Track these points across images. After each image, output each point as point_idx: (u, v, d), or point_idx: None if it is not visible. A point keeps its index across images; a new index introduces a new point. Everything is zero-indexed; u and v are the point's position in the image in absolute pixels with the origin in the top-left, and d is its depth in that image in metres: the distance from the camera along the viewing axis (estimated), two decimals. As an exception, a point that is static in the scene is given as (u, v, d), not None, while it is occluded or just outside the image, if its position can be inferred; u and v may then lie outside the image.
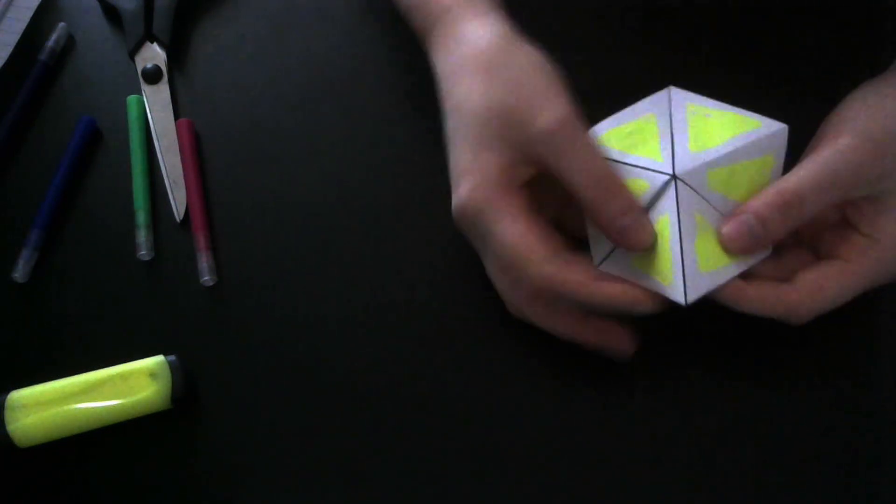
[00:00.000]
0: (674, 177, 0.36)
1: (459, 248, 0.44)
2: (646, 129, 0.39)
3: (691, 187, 0.36)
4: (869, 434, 0.39)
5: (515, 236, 0.36)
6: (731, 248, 0.36)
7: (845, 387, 0.40)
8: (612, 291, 0.36)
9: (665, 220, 0.36)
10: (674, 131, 0.38)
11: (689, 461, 0.39)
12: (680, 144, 0.37)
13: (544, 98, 0.37)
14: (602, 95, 0.41)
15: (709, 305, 0.37)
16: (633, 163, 0.37)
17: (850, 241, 0.37)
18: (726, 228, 0.36)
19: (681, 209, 0.36)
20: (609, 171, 0.36)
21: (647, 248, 0.36)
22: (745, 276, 0.37)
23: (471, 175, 0.38)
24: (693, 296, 0.36)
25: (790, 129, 0.38)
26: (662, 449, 0.39)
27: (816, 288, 0.36)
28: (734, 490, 0.38)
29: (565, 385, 0.41)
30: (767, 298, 0.36)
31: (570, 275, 0.36)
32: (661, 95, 0.40)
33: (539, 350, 0.41)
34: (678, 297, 0.36)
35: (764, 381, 0.41)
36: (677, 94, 0.39)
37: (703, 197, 0.37)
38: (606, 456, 0.39)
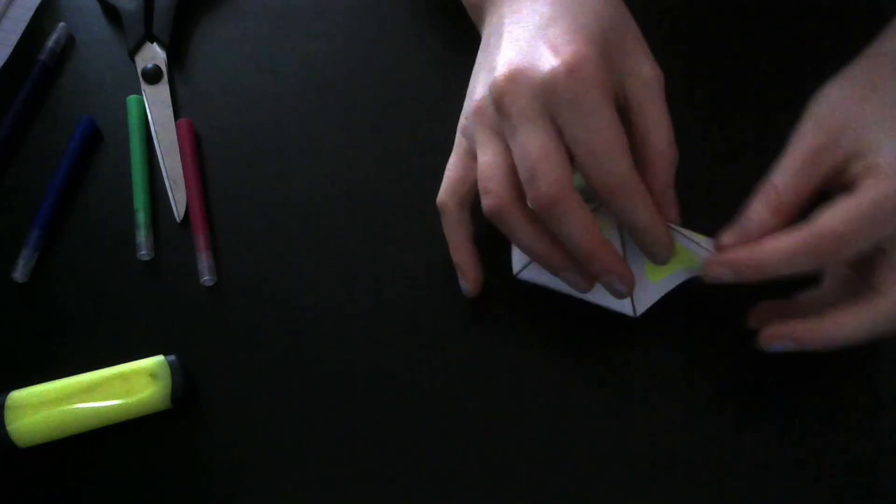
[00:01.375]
0: None
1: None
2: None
3: None
4: (869, 434, 0.39)
5: (617, 128, 0.34)
6: (729, 256, 0.37)
7: (846, 387, 0.40)
8: (665, 224, 0.36)
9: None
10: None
11: (690, 461, 0.39)
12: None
13: (645, 49, 0.38)
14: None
15: (709, 305, 0.37)
16: None
17: (858, 185, 0.36)
18: (725, 237, 0.37)
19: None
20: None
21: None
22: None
23: (581, 47, 0.34)
24: (642, 308, 0.38)
25: (791, 128, 0.38)
26: (662, 449, 0.39)
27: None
28: (734, 490, 0.38)
29: (565, 384, 0.41)
30: (859, 316, 0.35)
31: (646, 191, 0.35)
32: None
33: (539, 350, 0.41)
34: (628, 312, 0.39)
35: (764, 380, 0.41)
36: None
37: None
38: (607, 456, 0.39)
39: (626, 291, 0.37)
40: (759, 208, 0.36)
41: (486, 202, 0.37)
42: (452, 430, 0.40)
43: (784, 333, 0.36)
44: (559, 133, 0.34)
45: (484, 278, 0.41)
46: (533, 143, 0.34)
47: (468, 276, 0.41)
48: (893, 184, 0.34)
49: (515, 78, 0.35)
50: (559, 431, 0.40)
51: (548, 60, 0.34)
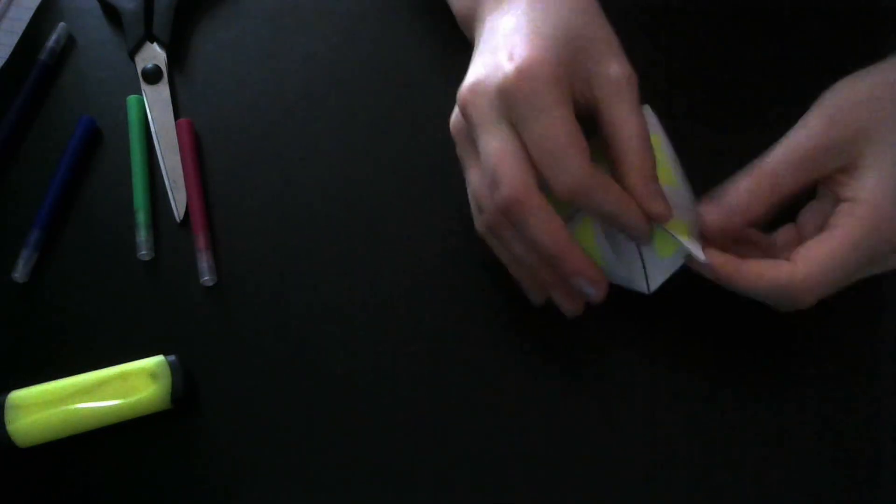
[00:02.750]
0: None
1: (460, 248, 0.44)
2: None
3: None
4: (869, 434, 0.39)
5: (571, 124, 0.35)
6: (712, 230, 0.37)
7: (846, 387, 0.40)
8: (635, 207, 0.36)
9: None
10: None
11: (690, 461, 0.39)
12: None
13: (614, 49, 0.37)
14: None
15: (709, 305, 0.37)
16: None
17: (836, 213, 0.37)
18: (708, 213, 0.37)
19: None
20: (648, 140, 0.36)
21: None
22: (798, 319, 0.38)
23: (541, 54, 0.35)
24: (655, 285, 0.38)
25: (790, 129, 0.38)
26: (662, 449, 0.39)
27: (811, 258, 0.36)
28: (734, 490, 0.38)
29: (565, 383, 0.41)
30: (764, 274, 0.36)
31: (606, 181, 0.35)
32: None
33: (539, 349, 0.41)
34: (642, 289, 0.38)
35: (764, 381, 0.41)
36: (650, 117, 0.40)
37: None
38: (607, 456, 0.39)
39: (595, 294, 0.36)
40: (751, 191, 0.37)
41: (482, 213, 0.38)
42: (452, 429, 0.40)
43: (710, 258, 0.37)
44: (517, 137, 0.35)
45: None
46: (492, 148, 0.35)
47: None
48: (867, 228, 0.36)
49: (475, 88, 0.36)
50: (559, 431, 0.40)
51: (502, 67, 0.35)
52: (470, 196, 0.39)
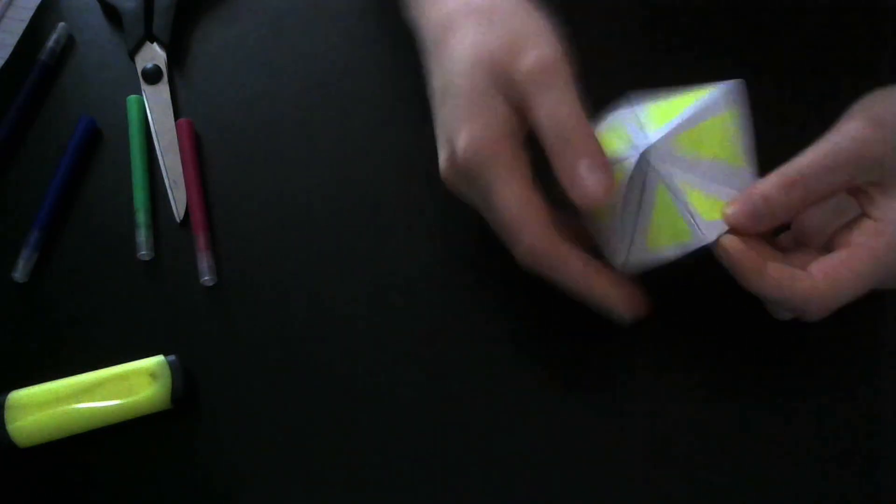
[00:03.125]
0: (641, 155, 0.37)
1: (460, 249, 0.44)
2: (614, 132, 0.39)
3: (659, 159, 0.37)
4: (869, 434, 0.39)
5: (515, 197, 0.35)
6: (736, 227, 0.36)
7: (846, 387, 0.40)
8: (608, 285, 0.36)
9: (661, 192, 0.37)
10: (638, 123, 0.38)
11: (690, 462, 0.39)
12: (643, 129, 0.38)
13: (533, 40, 0.36)
14: (605, 96, 0.41)
15: (710, 305, 0.37)
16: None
17: (860, 229, 0.37)
18: (731, 209, 0.36)
19: (664, 176, 0.36)
20: (579, 118, 0.35)
21: (596, 205, 0.35)
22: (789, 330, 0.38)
23: (471, 125, 0.36)
24: (715, 234, 0.36)
25: (791, 128, 0.38)
26: (662, 449, 0.39)
27: (831, 275, 0.36)
28: (735, 491, 0.38)
29: (566, 383, 0.41)
30: (783, 280, 0.36)
31: (564, 257, 0.36)
32: (621, 105, 0.40)
33: (539, 350, 0.41)
34: (705, 239, 0.36)
35: (765, 381, 0.41)
36: (637, 98, 0.40)
37: (675, 165, 0.37)
38: (607, 456, 0.39)
39: (627, 318, 0.37)
40: (782, 194, 0.35)
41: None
42: (453, 429, 0.40)
43: (726, 246, 0.36)
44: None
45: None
46: (494, 216, 0.37)
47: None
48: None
49: (445, 174, 0.38)
50: (559, 430, 0.39)
51: (452, 151, 0.37)
52: (444, 139, 0.39)
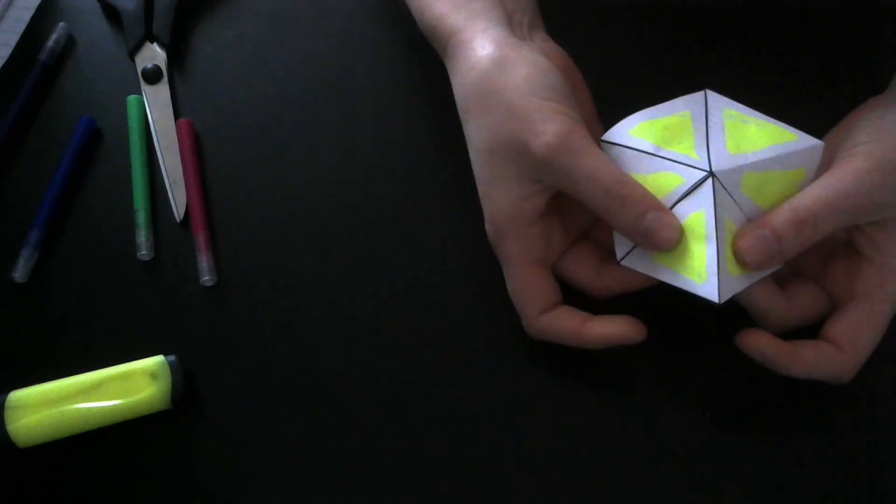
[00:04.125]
0: (711, 174, 0.36)
1: (460, 249, 0.44)
2: (681, 125, 0.38)
3: (725, 187, 0.36)
4: (869, 434, 0.39)
5: (516, 283, 0.39)
6: (746, 261, 0.36)
7: (846, 387, 0.40)
8: (602, 333, 0.38)
9: (699, 217, 0.36)
10: (710, 131, 0.38)
11: (690, 462, 0.39)
12: (717, 144, 0.37)
13: (539, 119, 0.36)
14: (605, 96, 0.41)
15: (710, 305, 0.37)
16: (668, 157, 0.37)
17: (864, 274, 0.37)
18: (742, 242, 0.36)
19: (717, 206, 0.36)
20: (619, 176, 0.36)
21: (673, 246, 0.36)
22: (787, 335, 0.38)
23: (488, 214, 0.40)
24: (726, 295, 0.36)
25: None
26: (662, 450, 0.39)
27: (854, 342, 0.37)
28: (735, 491, 0.38)
29: (565, 385, 0.41)
30: (816, 363, 0.37)
31: (561, 326, 0.39)
32: (696, 96, 0.39)
33: (538, 351, 0.41)
34: (712, 295, 0.36)
35: (764, 381, 0.41)
36: (714, 98, 0.39)
37: (734, 199, 0.37)
38: (608, 457, 0.39)
39: (635, 341, 0.38)
40: (789, 232, 0.35)
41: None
42: (452, 429, 0.40)
43: (757, 346, 0.37)
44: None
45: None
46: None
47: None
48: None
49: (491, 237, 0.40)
50: (559, 431, 0.39)
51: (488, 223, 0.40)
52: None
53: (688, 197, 0.37)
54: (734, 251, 0.36)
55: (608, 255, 0.39)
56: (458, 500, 0.38)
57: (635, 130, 0.38)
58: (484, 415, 0.40)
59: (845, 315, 0.37)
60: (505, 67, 0.38)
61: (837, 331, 0.37)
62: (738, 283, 0.37)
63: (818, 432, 0.39)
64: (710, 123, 0.38)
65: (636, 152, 0.38)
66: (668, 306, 0.40)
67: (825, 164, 0.38)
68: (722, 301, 0.36)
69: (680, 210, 0.37)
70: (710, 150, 0.37)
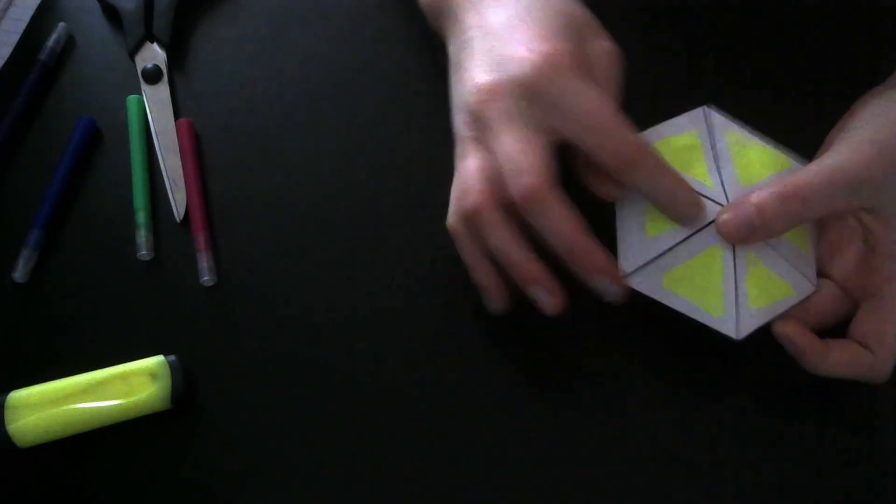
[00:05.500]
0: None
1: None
2: (692, 148, 0.38)
3: None
4: (869, 434, 0.39)
5: (608, 101, 0.35)
6: (725, 234, 0.36)
7: (846, 387, 0.40)
8: (690, 194, 0.36)
9: (715, 251, 0.36)
10: (718, 160, 0.38)
11: (690, 462, 0.39)
12: (728, 175, 0.37)
13: (597, 28, 0.39)
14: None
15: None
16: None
17: (876, 268, 0.37)
18: (724, 216, 0.36)
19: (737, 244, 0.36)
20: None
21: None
22: (819, 334, 0.38)
23: (550, 43, 0.35)
24: (745, 331, 0.36)
25: (792, 128, 0.38)
26: (661, 451, 0.39)
27: (883, 343, 0.37)
28: (734, 491, 0.38)
29: (563, 386, 0.41)
30: (848, 363, 0.37)
31: (654, 152, 0.35)
32: (697, 113, 0.39)
33: (538, 351, 0.41)
34: (730, 331, 0.36)
35: (764, 381, 0.41)
36: (715, 119, 0.39)
37: None
38: (604, 457, 0.39)
39: (615, 292, 0.36)
40: (778, 207, 0.35)
41: (465, 203, 0.36)
42: (452, 430, 0.40)
43: (790, 336, 0.37)
44: (543, 131, 0.35)
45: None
46: (516, 140, 0.35)
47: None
48: None
49: (495, 88, 0.36)
50: (557, 432, 0.40)
51: (525, 61, 0.35)
52: (458, 186, 0.38)
53: (707, 228, 0.36)
54: (717, 228, 0.36)
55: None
56: (458, 499, 0.38)
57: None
58: (484, 414, 0.40)
59: (868, 314, 0.37)
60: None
61: (864, 331, 0.37)
62: (759, 317, 0.37)
63: (818, 432, 0.39)
64: (717, 151, 0.38)
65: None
66: (666, 307, 0.40)
67: (823, 155, 0.38)
68: (740, 338, 0.36)
69: (697, 241, 0.36)
70: (724, 182, 0.37)
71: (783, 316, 0.38)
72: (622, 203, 0.38)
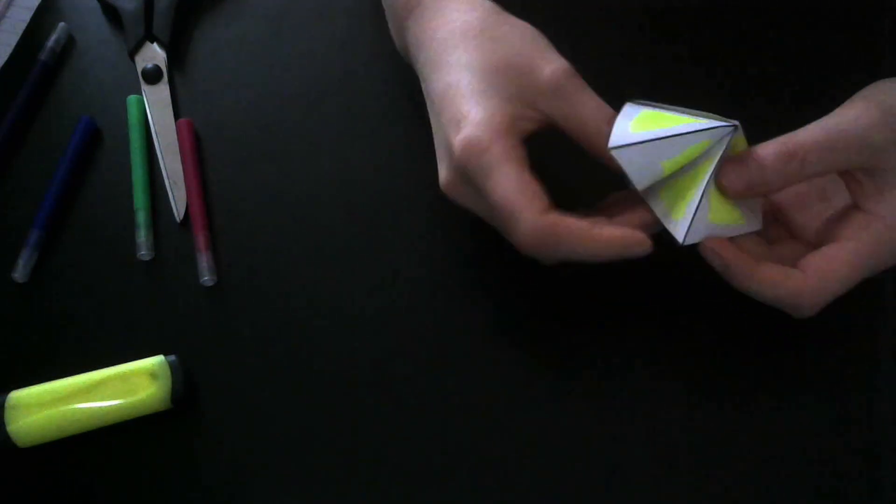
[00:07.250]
0: (735, 126, 0.36)
1: (461, 248, 0.44)
2: (664, 115, 0.38)
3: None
4: (869, 433, 0.39)
5: (512, 182, 0.36)
6: (727, 189, 0.36)
7: (846, 386, 0.40)
8: (611, 235, 0.36)
9: (708, 164, 0.36)
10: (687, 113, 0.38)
11: (689, 462, 0.39)
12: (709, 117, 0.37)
13: (545, 55, 0.39)
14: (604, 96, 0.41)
15: (709, 304, 0.37)
16: (687, 130, 0.36)
17: (850, 220, 0.37)
18: (724, 169, 0.36)
19: (725, 155, 0.36)
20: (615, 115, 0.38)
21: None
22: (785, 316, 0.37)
23: (475, 119, 0.37)
24: (692, 239, 0.36)
25: (792, 128, 0.38)
26: (662, 449, 0.39)
27: (822, 271, 0.36)
28: (734, 491, 0.38)
29: (563, 382, 0.41)
30: (776, 279, 0.36)
31: (568, 226, 0.36)
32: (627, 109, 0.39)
33: (537, 349, 0.41)
34: (678, 234, 0.36)
35: (764, 381, 0.41)
36: (640, 104, 0.39)
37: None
38: (606, 455, 0.39)
39: (642, 253, 0.36)
40: (777, 165, 0.35)
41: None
42: (452, 429, 0.40)
43: (717, 250, 0.37)
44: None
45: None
46: (490, 211, 0.37)
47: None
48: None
49: (445, 183, 0.39)
50: (557, 430, 0.40)
51: (452, 148, 0.37)
52: (443, 146, 0.39)
53: (709, 150, 0.36)
54: (717, 180, 0.36)
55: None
56: (458, 498, 0.38)
57: (634, 125, 0.38)
58: (486, 413, 0.40)
59: (820, 251, 0.37)
60: (503, 15, 0.41)
61: (808, 260, 0.36)
62: (708, 231, 0.37)
63: (818, 431, 0.39)
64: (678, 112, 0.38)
65: (658, 141, 0.37)
66: (666, 305, 0.40)
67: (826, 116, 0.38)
68: (685, 243, 0.36)
69: (698, 161, 0.37)
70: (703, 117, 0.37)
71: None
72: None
